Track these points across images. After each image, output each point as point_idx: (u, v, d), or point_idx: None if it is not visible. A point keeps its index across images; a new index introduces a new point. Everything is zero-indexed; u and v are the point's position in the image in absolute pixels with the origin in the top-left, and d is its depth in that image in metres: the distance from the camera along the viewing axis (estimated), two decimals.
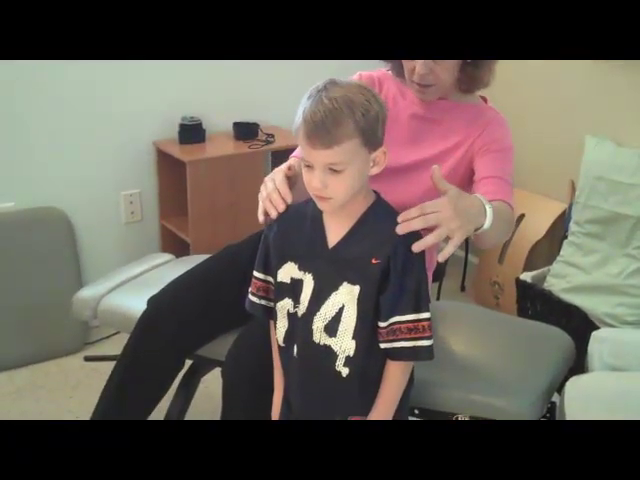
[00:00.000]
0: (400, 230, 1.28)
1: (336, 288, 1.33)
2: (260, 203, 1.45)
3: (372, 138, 1.27)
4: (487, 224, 1.35)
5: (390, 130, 1.34)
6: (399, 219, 1.28)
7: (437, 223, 1.26)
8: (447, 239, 1.28)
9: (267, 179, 1.47)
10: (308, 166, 1.28)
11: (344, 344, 1.34)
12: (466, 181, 1.68)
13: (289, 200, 1.41)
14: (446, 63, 1.59)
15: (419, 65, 1.59)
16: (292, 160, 1.57)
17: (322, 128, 1.23)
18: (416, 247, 1.28)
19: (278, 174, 1.45)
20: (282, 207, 1.40)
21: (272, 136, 2.88)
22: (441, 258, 1.27)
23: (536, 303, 2.57)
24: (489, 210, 1.36)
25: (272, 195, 1.42)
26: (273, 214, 1.41)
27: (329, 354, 1.35)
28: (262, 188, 1.46)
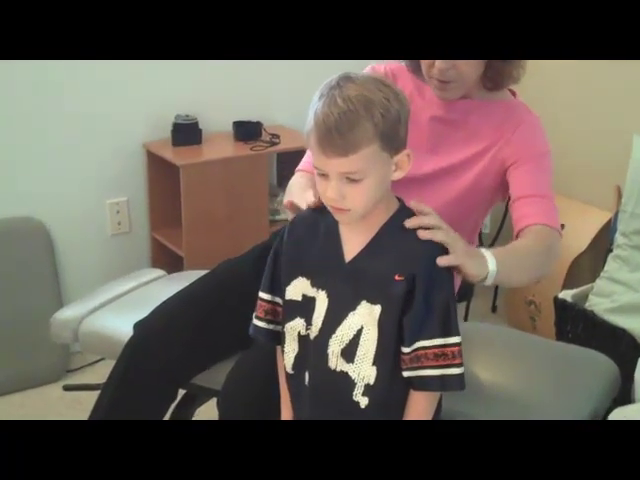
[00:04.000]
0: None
1: (354, 308, 1.34)
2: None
3: (393, 141, 1.28)
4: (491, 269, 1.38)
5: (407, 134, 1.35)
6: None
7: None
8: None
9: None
10: (322, 175, 1.28)
11: (363, 371, 1.34)
12: (494, 190, 1.68)
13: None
14: None
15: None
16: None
17: (336, 133, 1.23)
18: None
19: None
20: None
21: (277, 136, 2.90)
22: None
23: (577, 325, 2.58)
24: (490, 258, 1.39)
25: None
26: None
27: (346, 382, 1.35)
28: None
